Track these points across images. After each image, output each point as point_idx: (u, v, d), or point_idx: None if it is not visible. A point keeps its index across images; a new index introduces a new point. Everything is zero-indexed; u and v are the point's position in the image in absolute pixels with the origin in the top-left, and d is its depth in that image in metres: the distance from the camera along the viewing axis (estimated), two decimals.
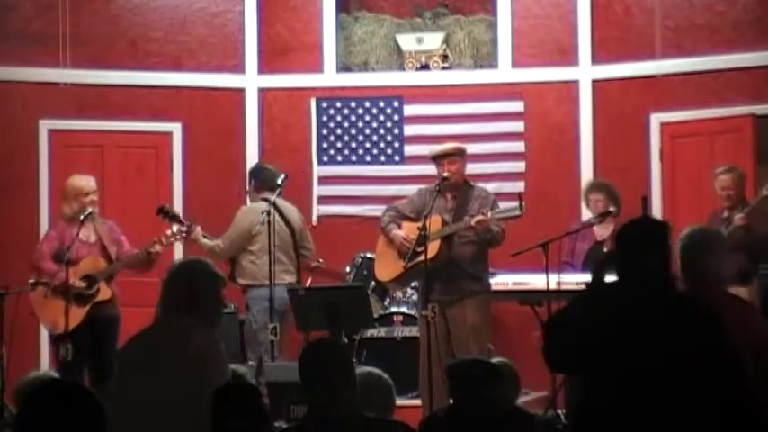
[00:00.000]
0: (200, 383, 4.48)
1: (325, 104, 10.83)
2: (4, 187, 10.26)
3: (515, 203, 7.84)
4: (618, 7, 10.47)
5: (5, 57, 10.34)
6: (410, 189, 8.77)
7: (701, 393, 4.15)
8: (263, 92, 10.85)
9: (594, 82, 10.47)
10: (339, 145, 10.82)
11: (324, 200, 10.77)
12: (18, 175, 10.33)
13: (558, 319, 4.57)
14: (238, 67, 10.83)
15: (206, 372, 4.61)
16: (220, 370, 4.70)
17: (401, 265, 8.09)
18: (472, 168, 8.62)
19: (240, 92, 10.82)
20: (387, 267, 8.25)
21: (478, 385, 4.72)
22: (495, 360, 5.68)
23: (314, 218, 10.64)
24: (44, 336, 8.92)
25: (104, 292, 8.21)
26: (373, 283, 9.35)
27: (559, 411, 7.74)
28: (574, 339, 4.30)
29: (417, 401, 8.08)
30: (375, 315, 8.91)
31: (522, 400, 6.37)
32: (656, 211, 9.97)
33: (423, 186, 8.37)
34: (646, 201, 9.05)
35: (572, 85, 10.53)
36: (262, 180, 8.94)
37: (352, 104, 10.83)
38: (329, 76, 10.86)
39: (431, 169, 8.38)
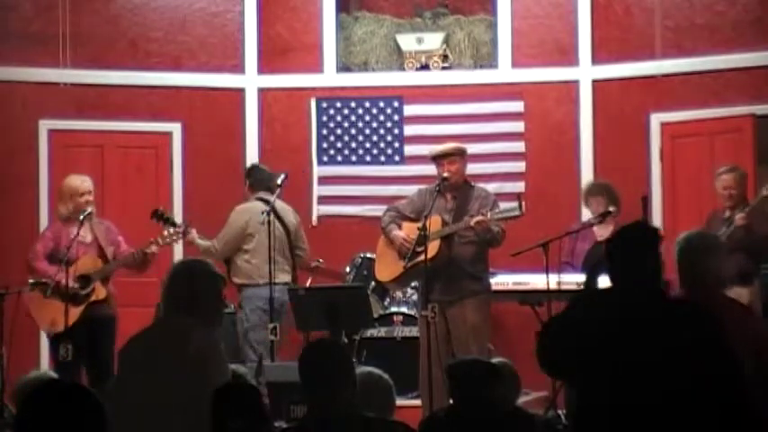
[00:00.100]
0: (200, 383, 4.47)
1: (325, 104, 10.82)
2: (4, 187, 10.25)
3: (515, 203, 7.84)
4: (618, 7, 10.46)
5: (5, 57, 10.34)
6: (410, 189, 8.77)
7: (700, 393, 4.15)
8: (263, 92, 10.84)
9: (594, 82, 10.46)
10: (339, 145, 10.81)
11: (324, 200, 10.76)
12: (18, 175, 10.33)
13: (553, 322, 4.58)
14: (238, 67, 10.82)
15: (206, 372, 4.61)
16: (220, 370, 4.71)
17: (401, 265, 8.08)
18: (472, 168, 8.61)
19: (240, 92, 10.82)
20: (387, 267, 8.24)
21: (478, 385, 4.72)
22: (495, 360, 5.68)
23: (314, 218, 10.64)
24: (44, 336, 8.92)
25: (99, 292, 8.20)
26: (373, 283, 9.34)
27: (559, 411, 7.74)
28: (573, 340, 4.30)
29: (417, 401, 8.08)
30: (375, 315, 8.90)
31: (522, 400, 6.37)
32: (656, 211, 9.96)
33: (423, 186, 8.37)
34: (646, 201, 9.03)
35: (572, 85, 10.53)
36: (257, 180, 8.95)
37: (352, 104, 10.82)
38: (329, 76, 10.86)
39: (431, 169, 8.38)
